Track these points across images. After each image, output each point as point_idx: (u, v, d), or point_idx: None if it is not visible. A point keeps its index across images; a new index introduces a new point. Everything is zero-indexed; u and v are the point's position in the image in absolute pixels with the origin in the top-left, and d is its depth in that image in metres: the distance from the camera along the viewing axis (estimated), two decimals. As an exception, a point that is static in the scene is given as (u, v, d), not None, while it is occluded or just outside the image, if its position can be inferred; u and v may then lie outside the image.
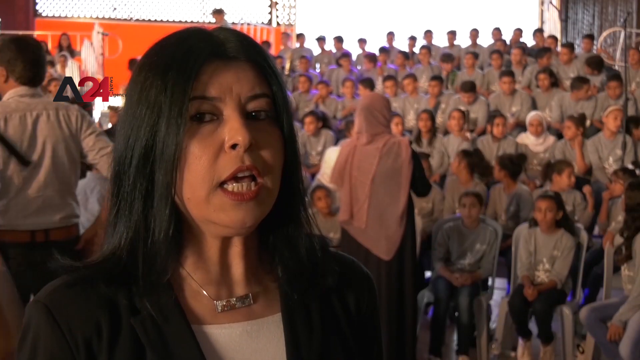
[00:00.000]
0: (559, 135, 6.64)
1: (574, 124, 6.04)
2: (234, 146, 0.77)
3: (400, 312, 3.79)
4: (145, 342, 0.78)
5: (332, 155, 5.71)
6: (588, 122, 6.81)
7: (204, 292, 0.83)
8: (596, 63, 7.93)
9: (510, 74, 7.76)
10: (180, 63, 0.78)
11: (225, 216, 0.79)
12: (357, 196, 3.78)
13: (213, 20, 14.29)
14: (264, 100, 0.81)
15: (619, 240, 4.22)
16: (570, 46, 8.87)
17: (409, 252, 3.83)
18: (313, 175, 6.42)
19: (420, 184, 3.84)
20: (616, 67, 9.57)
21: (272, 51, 11.89)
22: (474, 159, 5.30)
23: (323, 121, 7.21)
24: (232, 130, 0.77)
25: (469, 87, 7.36)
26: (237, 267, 0.85)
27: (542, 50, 8.77)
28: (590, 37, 10.32)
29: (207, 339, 0.82)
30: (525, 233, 4.44)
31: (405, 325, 3.82)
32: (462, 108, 6.96)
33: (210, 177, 0.78)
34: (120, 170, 0.81)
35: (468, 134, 6.51)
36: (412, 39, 10.99)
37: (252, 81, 0.80)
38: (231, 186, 0.78)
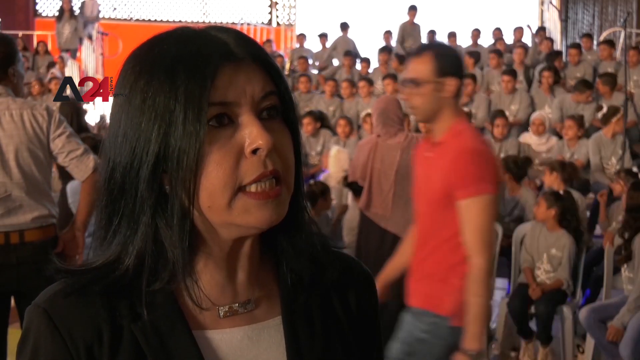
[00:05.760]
0: (559, 136, 6.64)
1: (575, 124, 6.04)
2: (255, 151, 0.76)
3: None
4: (146, 349, 0.78)
5: (342, 155, 5.73)
6: (587, 123, 6.83)
7: (207, 298, 0.82)
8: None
9: (512, 72, 7.75)
10: (190, 68, 0.75)
11: (251, 217, 0.78)
12: (380, 187, 4.06)
13: (213, 20, 14.32)
14: (274, 97, 0.80)
15: (619, 240, 4.21)
16: (577, 46, 8.95)
17: None
18: (313, 176, 6.41)
19: None
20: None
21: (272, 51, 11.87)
22: None
23: (321, 121, 7.21)
24: (252, 134, 0.76)
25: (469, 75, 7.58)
26: (243, 271, 0.85)
27: (552, 54, 8.84)
28: (589, 36, 10.33)
29: (209, 344, 0.82)
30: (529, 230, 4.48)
31: None
32: (465, 109, 6.95)
33: (232, 183, 0.76)
34: (126, 182, 0.78)
35: None
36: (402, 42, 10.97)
37: (262, 80, 0.79)
38: (254, 187, 0.77)
